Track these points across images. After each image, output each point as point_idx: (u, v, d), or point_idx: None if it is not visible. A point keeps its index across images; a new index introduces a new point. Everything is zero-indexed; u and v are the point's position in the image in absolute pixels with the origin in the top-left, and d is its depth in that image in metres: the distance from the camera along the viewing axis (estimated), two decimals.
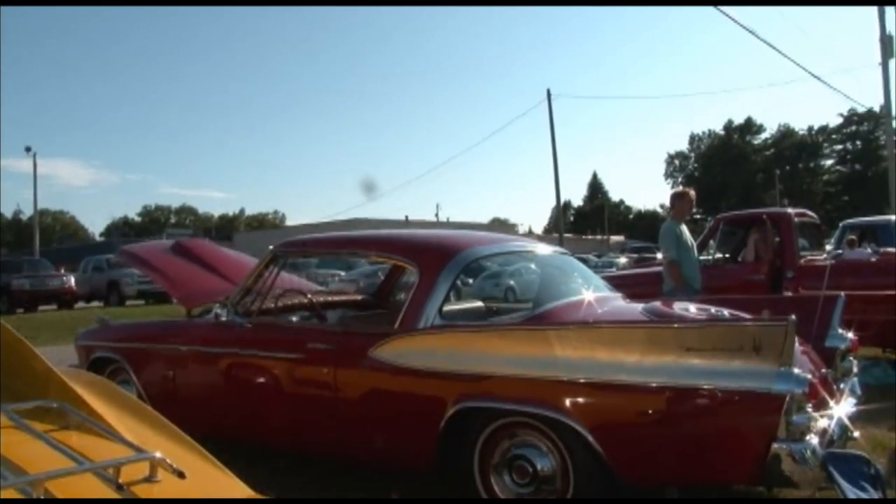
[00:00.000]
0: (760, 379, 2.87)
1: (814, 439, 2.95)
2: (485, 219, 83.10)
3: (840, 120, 75.73)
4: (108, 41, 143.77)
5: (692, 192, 7.10)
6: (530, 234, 62.68)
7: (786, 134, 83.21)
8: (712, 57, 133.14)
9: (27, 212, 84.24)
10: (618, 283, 5.29)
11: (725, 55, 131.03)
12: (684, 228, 6.76)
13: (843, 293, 4.35)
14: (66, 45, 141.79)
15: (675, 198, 7.01)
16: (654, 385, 3.05)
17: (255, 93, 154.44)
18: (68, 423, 2.12)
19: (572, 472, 3.26)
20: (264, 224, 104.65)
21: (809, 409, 2.99)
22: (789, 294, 7.55)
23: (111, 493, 1.70)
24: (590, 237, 75.96)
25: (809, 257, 8.96)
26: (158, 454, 1.82)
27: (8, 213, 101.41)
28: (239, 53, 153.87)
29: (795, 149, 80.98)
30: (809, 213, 9.91)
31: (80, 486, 1.71)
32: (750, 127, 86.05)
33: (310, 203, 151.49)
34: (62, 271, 24.12)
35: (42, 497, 1.56)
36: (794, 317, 2.86)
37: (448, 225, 52.23)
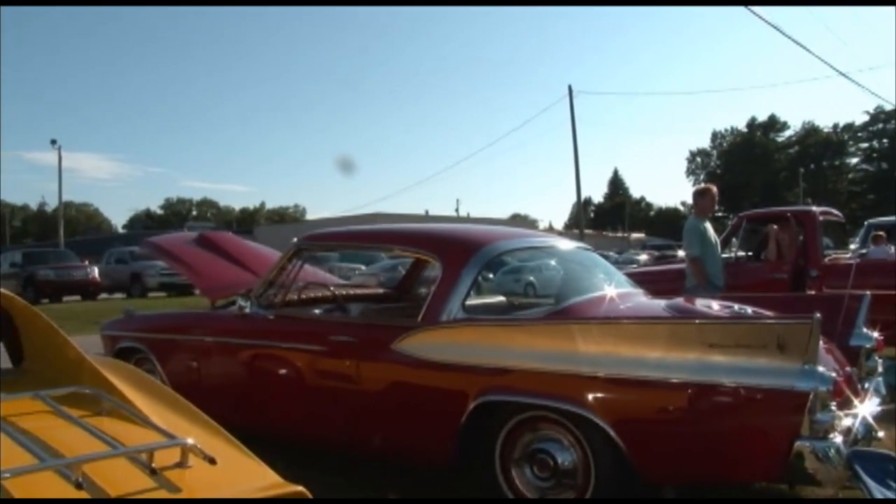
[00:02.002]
0: (784, 376, 2.86)
1: (838, 438, 2.93)
2: (505, 214, 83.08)
3: (866, 118, 74.73)
4: (132, 37, 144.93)
5: (714, 189, 7.06)
6: (550, 229, 62.49)
7: (810, 132, 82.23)
8: (736, 54, 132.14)
9: (52, 204, 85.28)
10: (639, 280, 5.27)
11: (749, 52, 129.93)
12: (708, 225, 6.73)
13: (868, 292, 4.32)
14: (90, 42, 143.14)
15: (698, 195, 6.98)
16: (676, 381, 3.05)
17: (277, 88, 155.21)
18: (101, 409, 2.17)
19: (594, 466, 3.27)
20: (285, 218, 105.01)
21: (833, 408, 2.98)
22: (813, 293, 7.49)
23: (145, 478, 1.74)
24: (610, 234, 75.66)
25: (834, 256, 8.89)
26: (190, 440, 1.86)
27: (33, 205, 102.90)
28: (262, 50, 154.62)
29: (820, 147, 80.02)
30: (834, 211, 9.82)
31: (114, 469, 1.75)
32: (774, 124, 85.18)
33: (330, 197, 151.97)
34: (86, 263, 24.33)
35: (80, 479, 1.60)
36: (818, 315, 2.85)
37: (468, 220, 52.20)
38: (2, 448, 1.77)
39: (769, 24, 16.10)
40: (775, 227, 8.69)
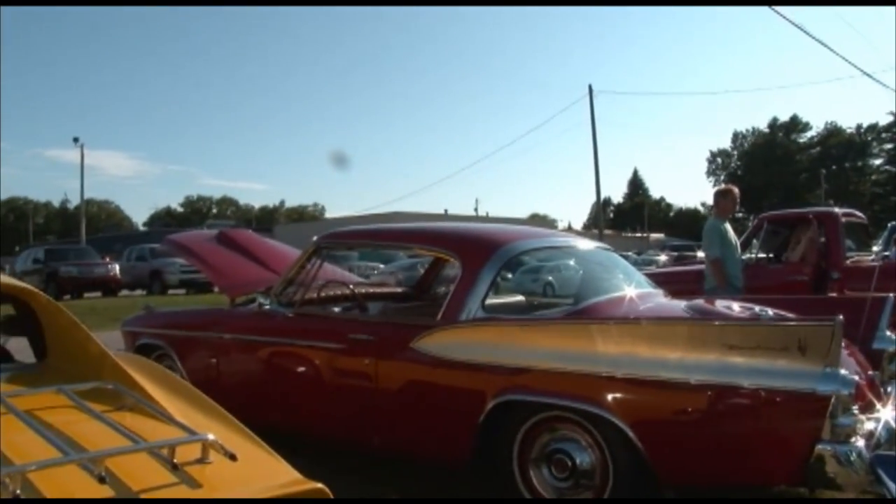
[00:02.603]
0: (805, 379, 2.84)
1: (860, 442, 2.90)
2: (524, 214, 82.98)
3: (890, 118, 73.75)
4: (153, 36, 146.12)
5: (736, 190, 7.02)
6: (569, 230, 62.33)
7: (833, 132, 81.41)
8: (758, 54, 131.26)
9: (74, 201, 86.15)
10: (659, 281, 5.24)
11: (772, 52, 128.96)
12: (728, 227, 6.69)
13: (891, 294, 4.27)
14: (111, 40, 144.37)
15: (719, 195, 6.93)
16: (695, 383, 3.03)
17: (297, 87, 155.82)
18: (123, 405, 2.19)
19: (612, 467, 3.26)
20: (304, 216, 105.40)
21: (856, 412, 2.95)
22: (834, 295, 7.42)
23: (166, 473, 1.75)
24: (629, 234, 75.34)
25: (856, 258, 8.80)
26: (211, 436, 1.87)
27: (56, 203, 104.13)
28: (282, 49, 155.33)
29: (842, 148, 79.20)
30: (857, 213, 9.73)
31: (136, 464, 1.77)
32: (795, 125, 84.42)
33: (349, 196, 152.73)
34: (107, 260, 24.55)
35: (103, 473, 1.62)
36: (841, 317, 2.82)
37: (487, 220, 52.12)
38: (26, 441, 1.80)
39: (792, 23, 15.98)
40: (809, 233, 8.58)
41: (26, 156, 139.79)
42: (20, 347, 3.11)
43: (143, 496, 1.65)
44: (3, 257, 40.16)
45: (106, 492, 1.61)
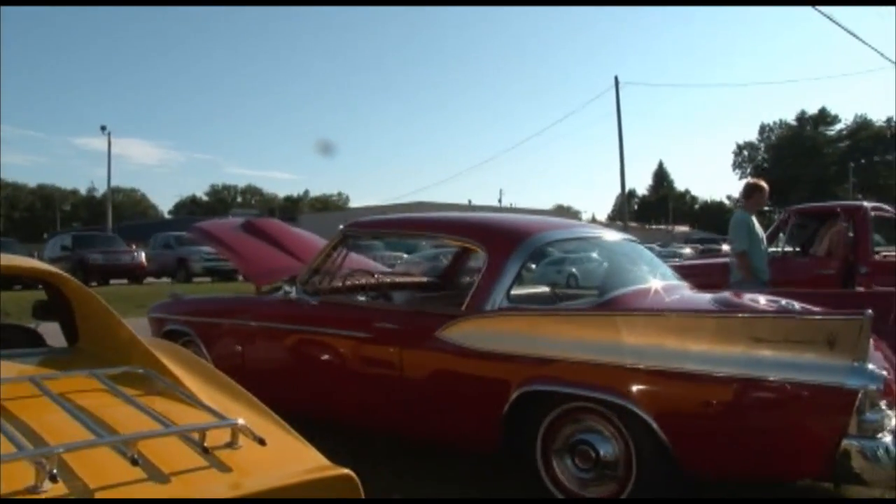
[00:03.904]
0: (833, 373, 2.82)
1: (887, 437, 2.88)
2: (548, 205, 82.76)
3: None
4: (179, 25, 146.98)
5: (766, 186, 6.96)
6: (594, 221, 62.08)
7: (862, 125, 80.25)
8: (786, 45, 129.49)
9: (100, 189, 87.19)
10: (683, 274, 5.22)
11: (801, 43, 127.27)
12: (755, 220, 6.65)
13: None
14: (138, 29, 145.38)
15: (752, 189, 6.84)
16: (721, 375, 3.02)
17: (322, 78, 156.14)
18: (153, 389, 2.22)
19: (635, 459, 3.25)
20: (328, 206, 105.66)
21: (883, 407, 2.93)
22: (862, 289, 7.34)
23: (196, 457, 1.78)
24: (654, 227, 74.88)
25: (885, 253, 8.70)
26: (241, 421, 1.89)
27: (83, 191, 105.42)
28: (308, 40, 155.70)
29: (872, 141, 78.08)
30: (886, 207, 9.61)
31: (167, 448, 1.79)
32: (824, 117, 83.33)
33: (374, 186, 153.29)
34: (133, 247, 24.82)
35: (135, 456, 1.64)
36: (870, 311, 2.80)
37: (512, 210, 51.99)
38: (60, 423, 1.83)
39: (823, 14, 15.75)
40: (835, 228, 8.50)
41: (54, 144, 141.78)
42: (52, 331, 3.16)
43: (174, 478, 1.67)
44: (32, 244, 40.69)
45: (139, 473, 1.63)
